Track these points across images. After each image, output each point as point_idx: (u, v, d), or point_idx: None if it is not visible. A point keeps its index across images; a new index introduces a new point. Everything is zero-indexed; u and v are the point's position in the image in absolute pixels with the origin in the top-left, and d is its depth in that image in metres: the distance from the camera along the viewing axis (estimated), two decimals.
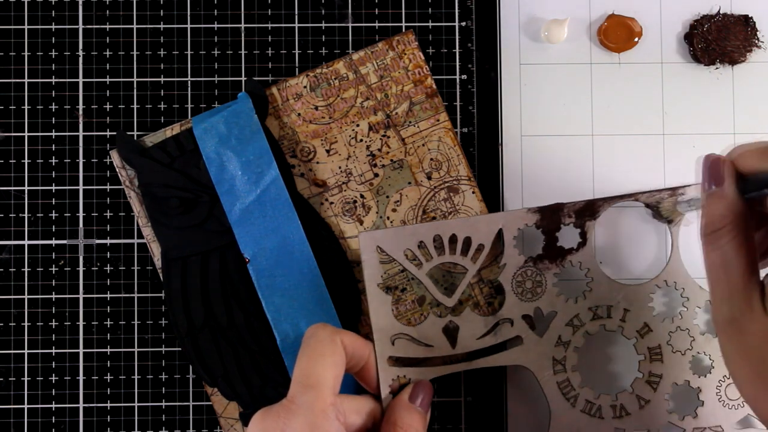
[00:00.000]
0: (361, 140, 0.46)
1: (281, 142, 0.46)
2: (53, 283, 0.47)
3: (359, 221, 0.46)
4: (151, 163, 0.45)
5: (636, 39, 0.48)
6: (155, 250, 0.46)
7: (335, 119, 0.46)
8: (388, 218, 0.46)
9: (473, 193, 0.46)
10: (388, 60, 0.46)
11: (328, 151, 0.46)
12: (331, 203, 0.46)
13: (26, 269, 0.47)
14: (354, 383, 0.43)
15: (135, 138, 0.47)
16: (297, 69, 0.48)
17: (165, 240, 0.45)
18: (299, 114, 0.46)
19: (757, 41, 0.48)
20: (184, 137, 0.45)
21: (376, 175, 0.46)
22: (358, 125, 0.46)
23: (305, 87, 0.46)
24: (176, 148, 0.45)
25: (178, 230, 0.45)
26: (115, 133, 0.47)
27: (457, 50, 0.48)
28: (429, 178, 0.46)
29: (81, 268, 0.47)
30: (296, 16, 0.48)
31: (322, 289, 0.44)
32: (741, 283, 0.32)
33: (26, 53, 0.47)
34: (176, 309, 0.45)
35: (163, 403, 0.46)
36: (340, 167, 0.46)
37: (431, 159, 0.46)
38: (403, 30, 0.48)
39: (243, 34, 0.48)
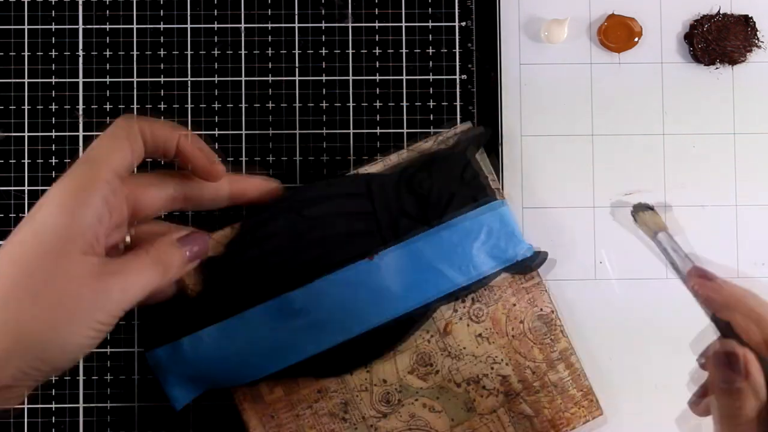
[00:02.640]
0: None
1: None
2: None
3: (422, 379, 0.45)
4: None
5: (636, 39, 0.48)
6: None
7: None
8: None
9: None
10: None
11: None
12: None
13: None
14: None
15: None
16: (297, 69, 0.48)
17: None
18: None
19: (757, 41, 0.48)
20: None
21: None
22: None
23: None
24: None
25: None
26: None
27: (457, 50, 0.48)
28: None
29: None
30: (296, 16, 0.48)
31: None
32: None
33: (26, 53, 0.47)
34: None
35: (163, 403, 0.46)
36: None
37: None
38: (403, 30, 0.48)
39: (243, 34, 0.48)
